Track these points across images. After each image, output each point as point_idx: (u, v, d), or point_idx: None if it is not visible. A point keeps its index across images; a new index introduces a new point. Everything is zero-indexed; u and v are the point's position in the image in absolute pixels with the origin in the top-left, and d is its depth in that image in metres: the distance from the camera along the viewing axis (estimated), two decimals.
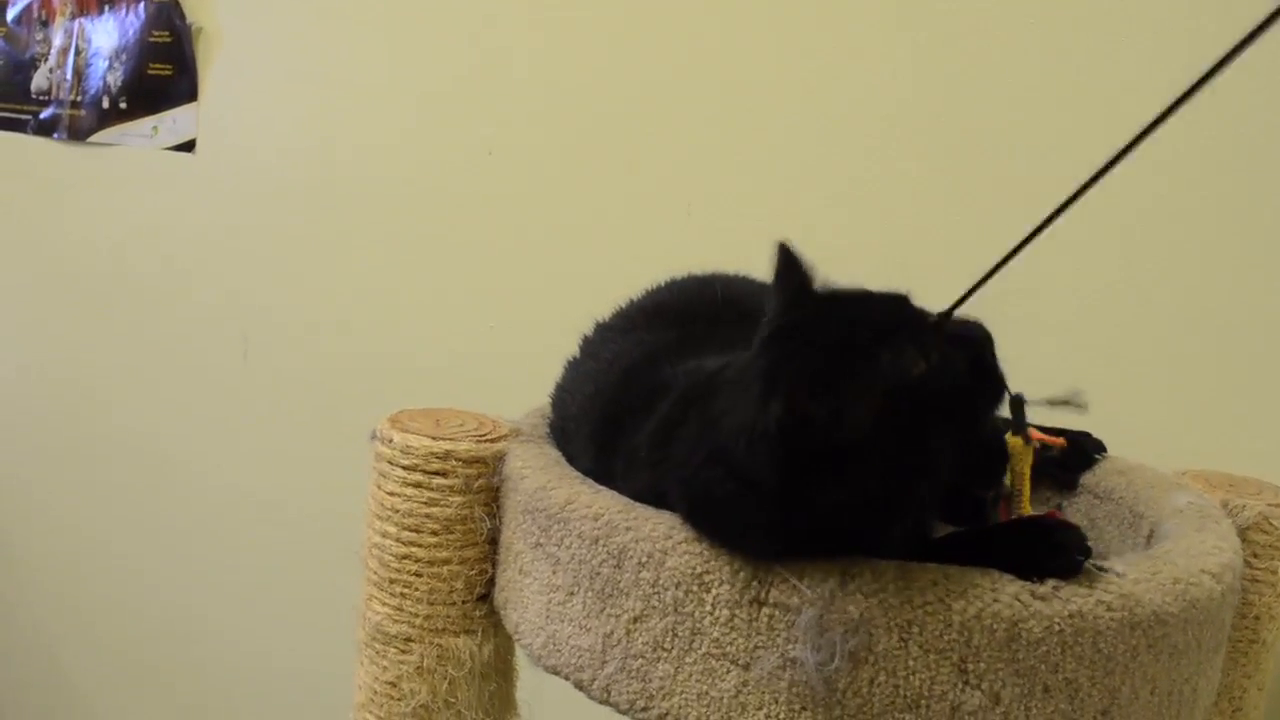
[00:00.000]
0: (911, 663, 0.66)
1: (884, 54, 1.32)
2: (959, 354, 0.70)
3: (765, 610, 0.68)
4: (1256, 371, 1.17)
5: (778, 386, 0.64)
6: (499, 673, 0.92)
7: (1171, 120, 0.54)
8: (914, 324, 0.69)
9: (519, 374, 0.99)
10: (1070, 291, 1.24)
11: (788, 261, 0.75)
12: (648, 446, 0.76)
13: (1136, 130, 0.55)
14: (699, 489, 0.70)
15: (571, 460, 0.85)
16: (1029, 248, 0.63)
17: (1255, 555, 0.91)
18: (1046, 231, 0.62)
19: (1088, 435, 0.99)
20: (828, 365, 0.64)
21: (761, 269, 1.00)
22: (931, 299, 0.74)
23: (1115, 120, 1.20)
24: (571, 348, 0.97)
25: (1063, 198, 0.60)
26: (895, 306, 0.71)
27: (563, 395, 0.93)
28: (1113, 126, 1.19)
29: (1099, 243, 1.22)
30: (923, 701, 0.66)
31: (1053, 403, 0.79)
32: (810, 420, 0.62)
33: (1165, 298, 1.21)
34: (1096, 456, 0.97)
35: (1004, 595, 0.66)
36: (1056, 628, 0.66)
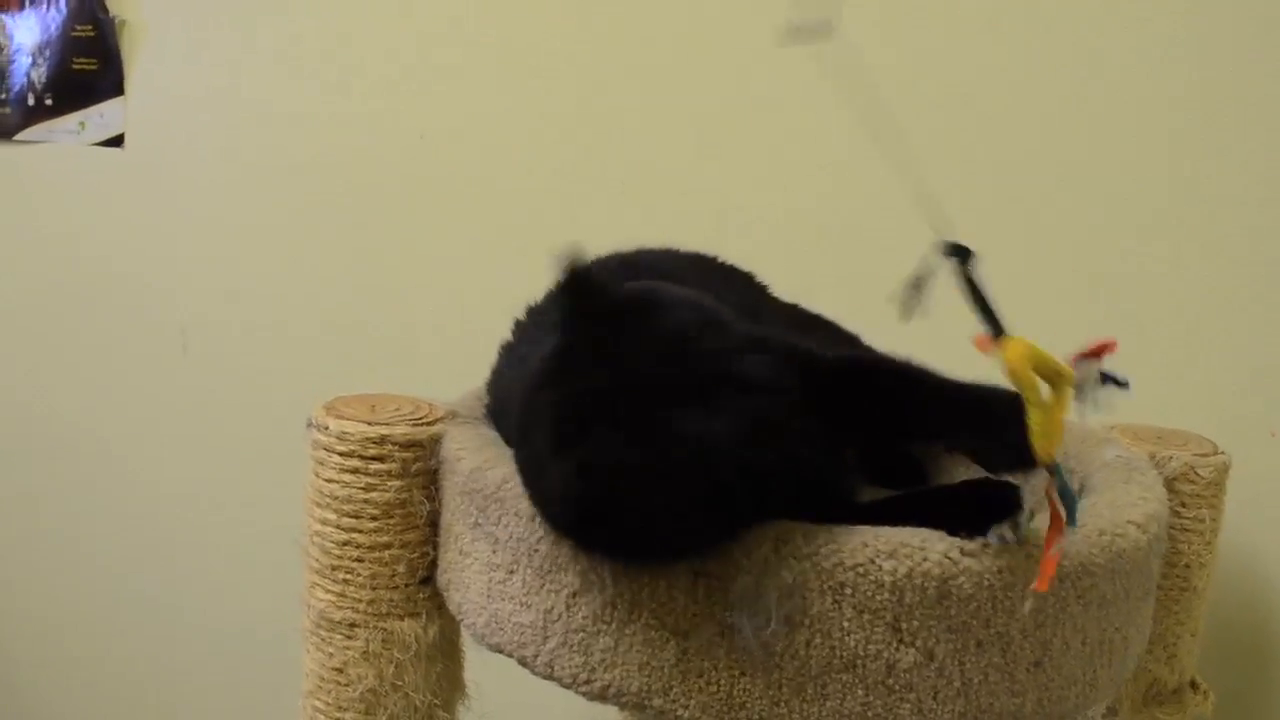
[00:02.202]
0: (846, 624, 0.67)
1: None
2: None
3: (701, 579, 0.68)
4: (1182, 326, 1.19)
5: (566, 443, 0.66)
6: (445, 654, 0.92)
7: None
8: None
9: (459, 357, 0.98)
10: (1000, 249, 1.25)
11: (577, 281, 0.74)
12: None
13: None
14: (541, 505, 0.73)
15: (509, 443, 0.85)
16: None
17: (1183, 505, 0.93)
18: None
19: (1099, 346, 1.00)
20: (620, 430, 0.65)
21: (695, 245, 1.01)
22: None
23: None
24: (508, 330, 0.97)
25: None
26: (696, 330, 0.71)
27: (498, 379, 0.93)
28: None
29: (1023, 199, 1.24)
30: (859, 661, 0.67)
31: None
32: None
33: (1096, 257, 1.23)
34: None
35: (933, 554, 0.67)
36: (986, 583, 0.67)
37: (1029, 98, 1.23)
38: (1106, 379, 0.67)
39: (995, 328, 0.64)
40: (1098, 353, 0.66)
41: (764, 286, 1.02)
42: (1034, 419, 0.62)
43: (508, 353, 0.94)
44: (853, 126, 0.79)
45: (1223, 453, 0.97)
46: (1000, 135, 1.25)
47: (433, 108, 1.58)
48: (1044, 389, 0.63)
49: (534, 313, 0.95)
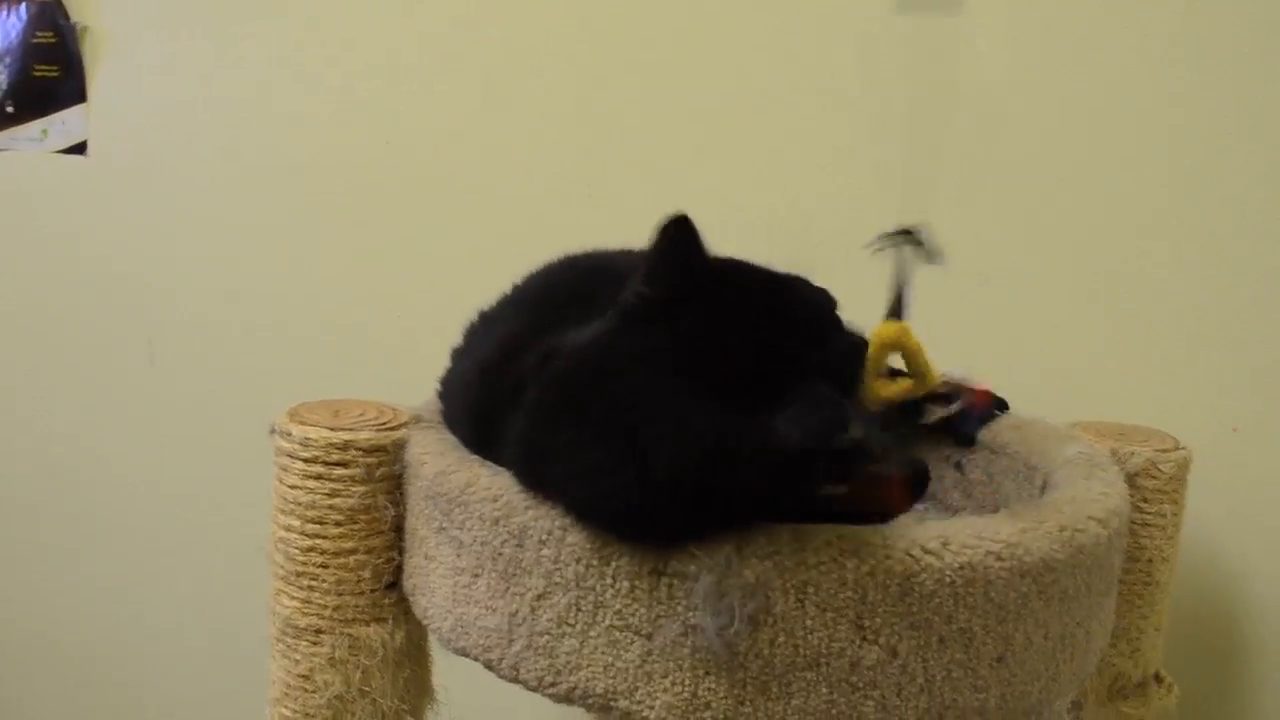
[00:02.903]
0: (809, 622, 0.67)
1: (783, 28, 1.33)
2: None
3: (664, 580, 0.68)
4: (1143, 323, 1.20)
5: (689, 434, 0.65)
6: (412, 659, 0.92)
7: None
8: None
9: (426, 361, 0.98)
10: (969, 252, 1.26)
11: (684, 237, 0.78)
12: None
13: None
14: (587, 500, 0.71)
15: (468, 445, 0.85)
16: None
17: (1145, 500, 0.94)
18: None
19: (989, 393, 1.01)
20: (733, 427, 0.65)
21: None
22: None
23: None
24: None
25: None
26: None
27: (448, 385, 0.93)
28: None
29: (990, 200, 1.25)
30: (822, 659, 0.68)
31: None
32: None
33: (1058, 257, 1.23)
34: (996, 413, 0.99)
35: (895, 551, 0.67)
36: (948, 579, 0.68)
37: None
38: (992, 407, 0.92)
39: (893, 312, 0.81)
40: (973, 393, 0.86)
41: None
42: (869, 380, 0.79)
43: (457, 359, 0.93)
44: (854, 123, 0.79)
45: (1184, 448, 0.98)
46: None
47: (399, 112, 1.57)
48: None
49: (486, 318, 0.94)
